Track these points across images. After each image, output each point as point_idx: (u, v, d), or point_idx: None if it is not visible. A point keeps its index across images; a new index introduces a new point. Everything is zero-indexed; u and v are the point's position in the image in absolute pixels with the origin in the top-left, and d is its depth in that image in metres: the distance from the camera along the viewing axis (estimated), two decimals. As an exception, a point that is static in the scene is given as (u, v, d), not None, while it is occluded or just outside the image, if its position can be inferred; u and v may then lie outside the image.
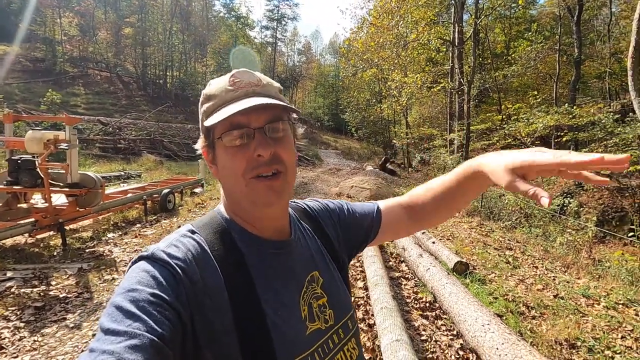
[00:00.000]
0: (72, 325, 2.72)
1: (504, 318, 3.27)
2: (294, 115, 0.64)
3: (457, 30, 13.94)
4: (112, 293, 2.55)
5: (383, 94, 23.30)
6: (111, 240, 4.82)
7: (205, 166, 10.27)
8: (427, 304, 3.48)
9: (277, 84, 0.64)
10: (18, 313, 2.81)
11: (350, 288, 0.78)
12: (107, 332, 0.43)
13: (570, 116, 10.48)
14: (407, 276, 4.22)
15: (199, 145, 0.63)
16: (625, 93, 16.70)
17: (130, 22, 29.15)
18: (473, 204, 9.18)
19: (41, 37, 24.76)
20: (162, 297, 0.47)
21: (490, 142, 15.65)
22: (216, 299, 0.52)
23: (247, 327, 0.53)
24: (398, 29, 14.82)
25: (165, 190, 6.60)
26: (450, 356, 2.69)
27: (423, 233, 5.64)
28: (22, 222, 3.99)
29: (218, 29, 37.74)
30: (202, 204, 7.46)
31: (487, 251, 5.46)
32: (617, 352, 2.89)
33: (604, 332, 3.17)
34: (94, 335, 2.60)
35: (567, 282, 4.54)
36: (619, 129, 9.71)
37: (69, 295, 3.16)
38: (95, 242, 4.70)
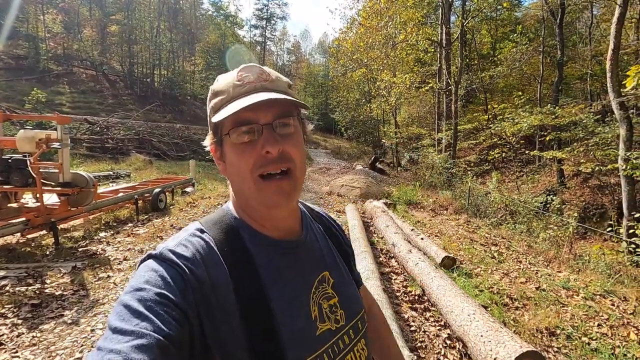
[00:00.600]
0: (70, 321, 2.75)
1: (489, 309, 3.43)
2: (304, 111, 0.63)
3: (444, 31, 14.21)
4: (110, 290, 2.61)
5: (372, 93, 23.51)
6: (104, 239, 4.82)
7: (195, 165, 10.27)
8: (416, 297, 3.62)
9: (286, 79, 0.63)
10: (15, 310, 2.84)
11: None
12: (115, 330, 0.43)
13: (553, 116, 10.82)
14: (396, 271, 4.35)
15: (207, 142, 0.63)
16: (606, 94, 17.27)
17: (117, 20, 28.67)
18: (460, 201, 9.42)
19: (24, 34, 24.16)
20: (169, 297, 0.48)
21: (477, 141, 16.02)
22: (224, 299, 0.52)
23: (256, 327, 0.52)
24: (387, 30, 15.03)
25: (157, 190, 6.60)
26: (438, 345, 2.82)
27: (412, 230, 5.79)
28: (13, 221, 3.97)
29: (206, 27, 37.46)
30: (194, 203, 7.48)
31: (473, 247, 5.64)
32: (593, 338, 3.07)
33: (582, 321, 3.36)
34: (92, 330, 2.66)
35: (549, 275, 4.74)
36: (599, 128, 10.09)
37: (64, 293, 3.19)
38: (87, 241, 4.70)
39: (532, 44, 17.05)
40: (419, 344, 2.81)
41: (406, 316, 3.24)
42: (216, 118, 0.55)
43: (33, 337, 2.53)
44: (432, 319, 3.23)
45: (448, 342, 2.87)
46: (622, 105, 6.95)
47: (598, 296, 4.06)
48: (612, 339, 3.09)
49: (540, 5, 16.61)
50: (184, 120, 23.95)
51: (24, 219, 4.05)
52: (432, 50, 16.91)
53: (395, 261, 4.70)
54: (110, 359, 0.40)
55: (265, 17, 41.65)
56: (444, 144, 14.31)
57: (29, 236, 4.41)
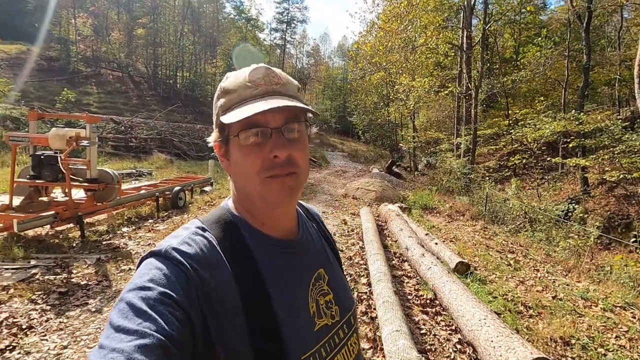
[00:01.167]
0: (93, 309, 2.92)
1: (502, 316, 3.40)
2: (310, 115, 0.63)
3: (465, 35, 14.04)
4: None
5: (390, 97, 23.42)
6: (126, 234, 5.04)
7: (214, 165, 10.50)
8: (428, 301, 3.62)
9: (296, 82, 0.64)
10: (44, 297, 3.02)
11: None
12: (118, 329, 0.43)
13: (578, 122, 10.51)
14: (409, 274, 4.36)
15: (212, 138, 0.63)
16: (635, 100, 16.60)
17: (143, 23, 29.69)
18: (477, 207, 9.27)
19: (56, 37, 25.34)
20: (173, 296, 0.48)
21: (497, 147, 15.70)
22: (227, 297, 0.53)
23: (258, 324, 0.53)
24: (407, 33, 14.97)
25: (177, 188, 6.82)
26: (448, 349, 2.82)
27: (426, 234, 5.77)
28: (44, 214, 4.21)
29: (228, 30, 38.20)
30: (212, 202, 7.67)
31: (489, 253, 5.57)
32: (610, 350, 3.00)
33: (599, 332, 3.28)
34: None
35: (567, 284, 4.63)
36: (626, 136, 9.72)
37: (89, 283, 3.37)
38: (110, 236, 4.92)
39: (557, 48, 16.60)
40: (429, 347, 2.82)
41: (417, 319, 3.25)
42: (227, 119, 0.56)
43: (60, 322, 2.70)
44: (443, 323, 3.23)
45: (458, 346, 2.87)
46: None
47: (618, 308, 3.95)
48: (630, 351, 3.01)
49: (567, 8, 16.17)
50: (204, 121, 24.47)
51: (53, 212, 4.28)
52: (453, 54, 16.74)
53: (408, 265, 4.70)
54: (113, 358, 0.40)
55: (286, 20, 42.12)
56: (463, 149, 14.11)
57: (58, 228, 4.66)
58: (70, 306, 2.94)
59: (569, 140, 11.71)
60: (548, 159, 12.50)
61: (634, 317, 3.74)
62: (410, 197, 10.24)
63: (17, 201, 4.54)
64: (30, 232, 4.42)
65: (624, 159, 9.69)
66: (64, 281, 3.34)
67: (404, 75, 16.28)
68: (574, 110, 11.05)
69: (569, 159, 11.16)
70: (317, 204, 8.73)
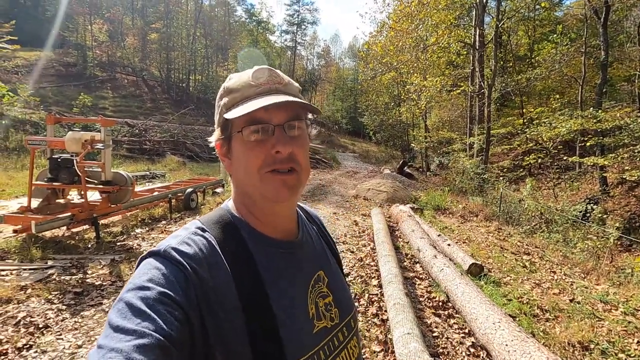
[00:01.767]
0: (107, 309, 2.96)
1: (517, 319, 3.32)
2: (310, 117, 0.65)
3: (478, 33, 13.83)
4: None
5: (402, 97, 23.22)
6: (139, 235, 5.12)
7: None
8: (440, 303, 3.56)
9: (297, 85, 0.65)
10: (60, 297, 3.09)
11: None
12: (117, 329, 0.43)
13: (596, 120, 10.21)
14: (421, 276, 4.30)
15: (214, 138, 0.64)
16: (656, 97, 16.05)
17: (156, 28, 30.26)
18: (491, 208, 9.11)
19: (73, 43, 26.07)
20: (172, 296, 0.48)
21: (511, 146, 15.40)
22: (226, 298, 0.53)
23: (257, 325, 0.53)
24: (418, 33, 14.81)
25: (189, 190, 6.90)
26: (461, 352, 2.77)
27: (439, 235, 5.69)
28: (60, 215, 4.31)
29: (239, 33, 38.65)
30: (223, 203, 7.74)
31: (503, 255, 5.46)
32: (632, 355, 2.89)
33: (619, 337, 3.17)
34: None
35: (585, 287, 4.50)
36: (647, 133, 9.42)
37: (104, 283, 3.43)
38: (124, 237, 5.01)
39: (573, 45, 16.19)
40: (441, 350, 2.77)
41: (429, 322, 3.20)
42: (230, 115, 0.57)
43: (75, 322, 2.75)
44: (455, 326, 3.17)
45: (472, 350, 2.81)
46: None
47: (640, 312, 3.81)
48: (653, 357, 2.90)
49: (583, 3, 15.77)
50: (216, 124, 24.74)
51: (69, 213, 4.38)
52: (465, 52, 16.49)
53: (420, 266, 4.64)
54: (112, 358, 0.40)
55: (296, 22, 42.38)
56: (476, 148, 13.87)
57: (74, 230, 4.77)
58: (85, 306, 3.00)
59: (586, 139, 11.41)
60: (565, 158, 12.18)
61: (657, 322, 3.60)
62: (422, 198, 10.13)
63: (35, 203, 4.68)
64: (48, 234, 4.52)
65: (645, 158, 9.38)
66: (79, 281, 3.41)
67: (415, 74, 16.14)
68: (591, 108, 10.73)
69: (587, 158, 10.85)
70: (328, 205, 8.71)
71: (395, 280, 3.53)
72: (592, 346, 2.96)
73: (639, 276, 5.13)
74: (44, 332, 2.59)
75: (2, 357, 2.28)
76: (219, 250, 0.56)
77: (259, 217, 0.62)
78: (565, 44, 15.88)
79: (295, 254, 0.65)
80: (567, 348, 2.90)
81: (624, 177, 9.84)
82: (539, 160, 13.22)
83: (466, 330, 3.08)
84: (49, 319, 2.76)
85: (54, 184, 4.64)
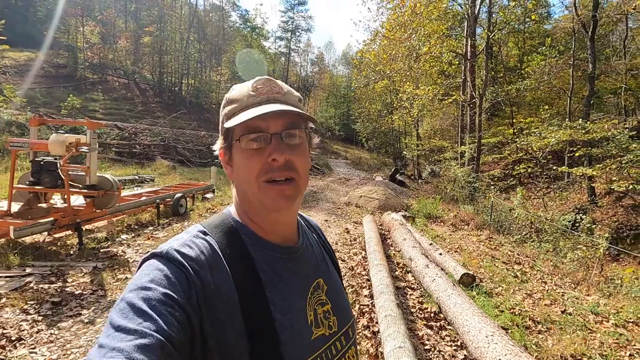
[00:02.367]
0: (86, 320, 2.83)
1: (510, 331, 3.27)
2: (311, 125, 0.66)
3: (469, 43, 14.02)
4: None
5: (394, 105, 23.39)
6: (124, 242, 4.97)
7: (217, 172, 10.47)
8: (432, 314, 3.50)
9: (297, 94, 0.66)
10: (36, 307, 2.94)
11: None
12: (118, 328, 0.43)
13: (584, 131, 10.38)
14: (413, 286, 4.24)
15: (217, 146, 0.65)
16: (642, 109, 16.45)
17: (150, 31, 30.05)
18: (482, 217, 9.13)
19: (64, 45, 25.70)
20: (174, 297, 0.48)
21: (502, 155, 15.56)
22: (227, 301, 0.53)
23: (257, 329, 0.53)
24: (410, 42, 14.97)
25: (178, 195, 6.76)
26: (454, 366, 2.70)
27: (430, 244, 5.65)
28: (42, 220, 4.15)
29: (233, 39, 38.62)
30: (213, 209, 7.60)
31: (495, 264, 5.43)
32: (624, 369, 2.86)
33: (611, 349, 3.14)
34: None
35: (576, 298, 4.49)
36: (633, 145, 9.58)
37: (84, 292, 3.28)
38: (109, 243, 4.85)
39: (562, 57, 16.53)
40: (433, 364, 2.70)
41: (421, 334, 3.14)
42: (229, 124, 0.58)
43: (51, 334, 2.61)
44: (448, 338, 3.11)
45: (464, 364, 2.74)
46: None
47: (631, 323, 3.80)
48: (645, 371, 2.87)
49: (571, 17, 16.14)
50: (208, 128, 24.55)
51: (51, 218, 4.22)
52: (457, 62, 16.70)
53: (412, 276, 4.58)
54: (113, 357, 0.40)
55: (291, 29, 42.51)
56: (467, 157, 13.98)
57: (56, 235, 4.60)
58: (63, 317, 2.85)
59: (575, 149, 11.57)
60: (554, 168, 12.33)
61: (648, 334, 3.59)
62: (414, 206, 10.12)
63: (16, 207, 4.51)
64: (28, 239, 4.36)
65: (632, 169, 9.53)
66: (58, 290, 3.26)
67: (408, 83, 16.27)
68: (581, 119, 10.91)
69: (576, 168, 10.99)
70: (320, 212, 8.63)
71: (387, 291, 3.46)
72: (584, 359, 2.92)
73: (627, 287, 5.15)
74: (17, 345, 2.44)
75: (-30, 372, 2.15)
76: (220, 253, 0.57)
77: (260, 223, 0.63)
78: (554, 56, 16.19)
79: (295, 260, 0.65)
80: (560, 362, 2.86)
81: (611, 187, 9.97)
82: (529, 170, 13.36)
83: (458, 343, 3.02)
84: (23, 330, 2.61)
85: (35, 187, 4.48)
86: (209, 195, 8.75)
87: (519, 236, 7.88)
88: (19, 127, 12.99)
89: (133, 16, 34.91)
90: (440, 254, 5.12)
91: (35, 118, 4.67)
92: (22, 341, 2.49)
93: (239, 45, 37.27)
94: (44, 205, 4.74)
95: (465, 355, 2.83)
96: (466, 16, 14.34)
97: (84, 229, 4.72)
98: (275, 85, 0.63)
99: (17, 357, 2.33)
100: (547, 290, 4.66)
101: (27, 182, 4.55)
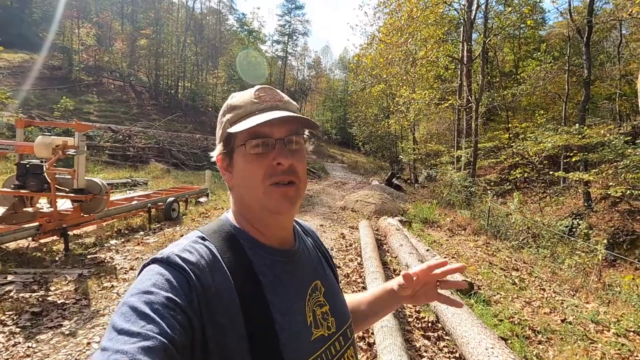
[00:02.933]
0: (67, 332, 2.68)
1: (509, 342, 3.17)
2: (307, 133, 0.68)
3: (465, 48, 14.04)
4: (112, 301, 2.52)
5: (391, 109, 23.43)
6: (113, 247, 4.81)
7: (211, 176, 10.31)
8: (430, 324, 3.39)
9: (295, 103, 0.69)
10: (15, 318, 2.79)
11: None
12: (121, 332, 0.43)
13: (580, 136, 10.37)
14: (409, 294, 4.12)
15: (215, 152, 0.66)
16: (636, 115, 16.55)
17: (146, 34, 29.87)
18: (479, 222, 9.06)
19: (59, 46, 25.50)
20: (176, 301, 0.48)
21: (498, 160, 15.55)
22: (228, 305, 0.53)
23: (258, 331, 0.54)
24: (407, 46, 14.98)
25: (170, 199, 6.62)
26: (452, 380, 2.59)
27: (427, 250, 5.55)
28: (26, 225, 4.00)
29: (230, 42, 38.54)
30: (206, 213, 7.46)
31: (492, 271, 5.34)
32: (628, 382, 2.76)
33: (614, 361, 3.04)
34: (88, 343, 2.57)
35: (576, 306, 4.40)
36: (629, 150, 9.59)
37: (66, 302, 3.14)
38: (97, 249, 4.70)
39: (556, 63, 16.61)
40: (431, 378, 2.59)
41: (418, 345, 3.02)
42: (235, 129, 0.59)
43: (28, 347, 2.46)
44: (446, 350, 3.00)
45: (463, 377, 2.63)
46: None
47: (632, 333, 3.71)
48: (649, 384, 2.77)
49: (566, 23, 16.25)
50: (204, 131, 24.38)
51: (36, 223, 4.08)
52: (453, 67, 16.74)
53: (409, 283, 4.46)
54: (117, 359, 0.40)
55: (288, 32, 42.59)
56: (463, 161, 13.96)
57: (42, 241, 4.44)
58: (43, 328, 2.70)
59: (571, 154, 11.57)
60: (550, 172, 12.31)
61: (650, 344, 3.50)
62: (411, 210, 10.04)
63: (1, 211, 4.35)
64: (12, 245, 4.20)
65: (628, 174, 9.52)
66: (40, 300, 3.11)
67: (404, 87, 16.25)
68: (577, 124, 10.91)
69: (572, 173, 10.98)
70: (315, 216, 8.52)
71: (383, 300, 3.34)
72: (587, 372, 2.82)
73: (627, 294, 5.07)
74: (-9, 359, 2.30)
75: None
76: (220, 258, 0.58)
77: (258, 227, 0.64)
78: (549, 62, 16.29)
79: (293, 263, 0.66)
80: (561, 374, 2.76)
81: (608, 192, 9.95)
82: (525, 175, 13.34)
83: (457, 355, 2.91)
84: (-2, 344, 2.47)
85: (21, 191, 4.33)
86: (202, 200, 8.60)
87: (516, 242, 7.80)
88: (10, 129, 12.78)
89: (129, 18, 34.75)
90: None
91: (21, 119, 4.53)
92: (-3, 355, 2.35)
93: (236, 48, 37.19)
94: (29, 209, 4.59)
95: (464, 368, 2.73)
96: (462, 21, 14.37)
97: (71, 234, 4.57)
98: (277, 94, 0.65)
99: (-11, 373, 2.19)
100: (546, 298, 4.57)
101: (12, 186, 4.41)
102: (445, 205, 11.54)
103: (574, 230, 9.30)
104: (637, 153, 9.16)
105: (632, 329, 3.79)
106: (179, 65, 29.97)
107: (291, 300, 0.62)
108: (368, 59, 18.12)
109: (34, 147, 4.11)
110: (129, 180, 10.59)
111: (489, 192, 11.76)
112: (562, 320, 3.86)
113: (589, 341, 3.40)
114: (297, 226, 0.77)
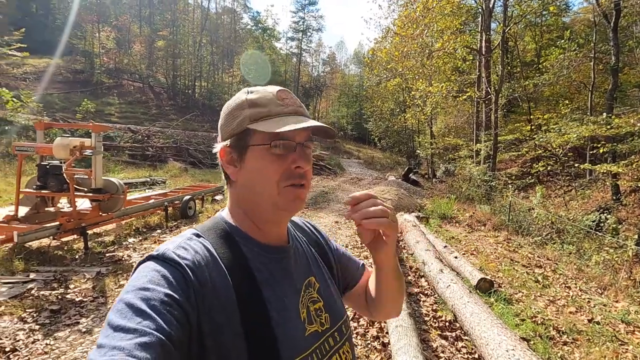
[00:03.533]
0: (84, 330, 2.73)
1: (532, 343, 3.03)
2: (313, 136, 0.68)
3: (484, 38, 13.60)
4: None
5: (407, 103, 23.05)
6: (131, 245, 4.91)
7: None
8: (447, 324, 3.28)
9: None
10: (35, 315, 2.87)
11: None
12: (117, 328, 0.43)
13: (608, 126, 9.87)
14: (426, 292, 4.02)
15: (220, 146, 0.65)
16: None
17: (163, 35, 30.48)
18: (500, 217, 8.78)
19: (81, 50, 26.35)
20: (172, 296, 0.48)
21: (520, 153, 15.04)
22: (224, 301, 0.54)
23: (254, 327, 0.54)
24: (423, 38, 14.62)
25: (186, 197, 6.70)
26: (471, 383, 2.49)
27: (445, 247, 5.41)
28: (47, 225, 4.12)
29: (245, 40, 38.82)
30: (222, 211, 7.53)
31: (514, 268, 5.15)
32: (663, 388, 2.59)
33: (646, 364, 2.86)
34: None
35: (604, 305, 4.18)
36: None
37: (84, 299, 3.20)
38: (116, 247, 4.80)
39: (582, 50, 15.85)
40: (448, 380, 2.49)
41: (435, 345, 2.93)
42: (263, 128, 0.59)
43: (47, 344, 2.52)
44: (464, 350, 2.90)
45: (482, 379, 2.53)
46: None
47: (666, 334, 3.49)
48: (686, 390, 2.59)
49: (591, 8, 15.50)
50: (220, 130, 24.71)
51: (56, 223, 4.19)
52: (471, 58, 16.26)
53: (425, 281, 4.36)
54: (114, 356, 0.40)
55: (302, 29, 42.49)
56: (483, 155, 13.55)
57: (63, 239, 4.57)
58: (61, 325, 2.76)
59: (598, 145, 11.04)
60: (575, 165, 11.79)
61: (686, 346, 3.28)
62: (428, 206, 9.84)
63: (24, 211, 4.50)
64: (35, 243, 4.34)
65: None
66: (59, 297, 3.19)
67: (421, 80, 15.90)
68: (604, 114, 10.39)
69: (599, 165, 10.47)
70: (330, 213, 8.46)
71: (398, 298, 3.26)
72: (617, 376, 2.66)
73: (660, 292, 4.79)
74: (11, 356, 2.36)
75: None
76: (216, 254, 0.58)
77: (259, 224, 0.64)
78: (574, 50, 15.55)
79: (287, 259, 0.67)
80: (589, 378, 2.61)
81: (638, 185, 9.45)
82: (549, 168, 12.83)
83: (476, 356, 2.80)
84: (19, 340, 2.53)
85: (42, 191, 4.46)
86: (218, 197, 8.69)
87: (539, 237, 7.50)
88: (35, 132, 13.26)
89: (147, 21, 35.50)
90: (456, 257, 4.88)
91: (40, 122, 4.66)
92: (17, 352, 2.41)
93: (251, 47, 37.42)
94: (51, 209, 4.73)
95: (483, 370, 2.62)
96: (480, 10, 13.93)
97: (90, 232, 4.69)
98: (296, 98, 0.66)
99: (9, 369, 2.25)
100: (571, 296, 4.36)
101: (34, 186, 4.55)
102: (464, 200, 11.24)
103: (602, 225, 8.87)
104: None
105: (667, 330, 3.56)
106: (195, 65, 30.43)
107: (285, 295, 0.62)
108: (383, 52, 17.80)
109: (52, 149, 4.21)
110: (148, 179, 10.83)
111: (510, 186, 11.39)
112: (589, 320, 3.67)
113: (619, 342, 3.21)
114: (289, 224, 0.77)
